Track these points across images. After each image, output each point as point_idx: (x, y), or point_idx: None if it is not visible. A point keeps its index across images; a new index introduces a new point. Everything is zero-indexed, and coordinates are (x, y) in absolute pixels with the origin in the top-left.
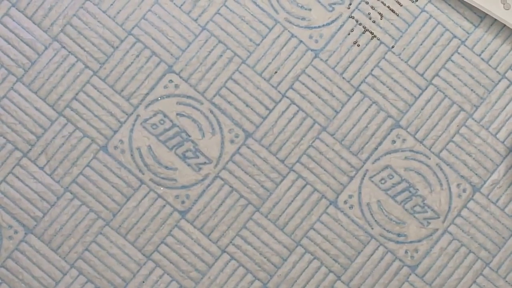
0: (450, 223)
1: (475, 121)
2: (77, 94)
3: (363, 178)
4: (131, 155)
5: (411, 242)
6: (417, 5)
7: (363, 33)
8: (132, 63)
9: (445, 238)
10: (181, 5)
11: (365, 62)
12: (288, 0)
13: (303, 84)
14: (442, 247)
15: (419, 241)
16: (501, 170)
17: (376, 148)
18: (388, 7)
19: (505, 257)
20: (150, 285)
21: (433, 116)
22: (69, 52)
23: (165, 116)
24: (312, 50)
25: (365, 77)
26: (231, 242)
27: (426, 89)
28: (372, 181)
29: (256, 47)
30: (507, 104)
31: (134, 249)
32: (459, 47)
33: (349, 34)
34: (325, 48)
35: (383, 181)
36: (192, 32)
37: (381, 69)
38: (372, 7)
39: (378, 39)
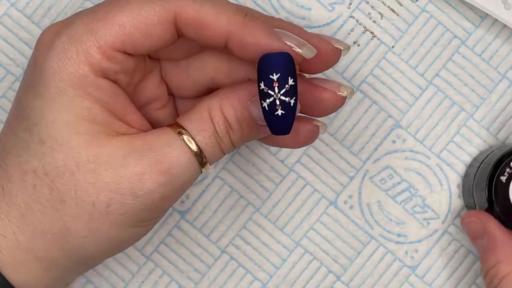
0: (450, 223)
1: (476, 121)
2: None
3: (363, 178)
4: None
5: (411, 242)
6: (417, 5)
7: (363, 33)
8: None
9: (445, 238)
10: None
11: (365, 62)
12: None
13: None
14: (442, 247)
15: (419, 241)
16: None
17: (376, 148)
18: (389, 7)
19: None
20: (150, 285)
21: (434, 116)
22: None
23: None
24: None
25: (365, 77)
26: (230, 242)
27: (426, 89)
28: (372, 181)
29: None
30: (507, 105)
31: (133, 249)
32: (459, 47)
33: (349, 33)
34: None
35: (383, 181)
36: None
37: (381, 69)
38: (373, 7)
39: (379, 39)
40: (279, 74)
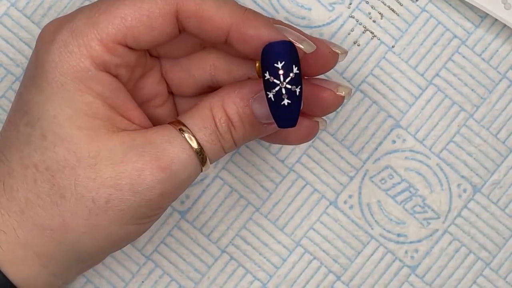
0: (450, 223)
1: (476, 121)
2: None
3: (363, 178)
4: None
5: (411, 242)
6: (417, 5)
7: (363, 32)
8: None
9: (445, 238)
10: None
11: (365, 61)
12: None
13: None
14: (442, 247)
15: (419, 241)
16: (502, 170)
17: (376, 148)
18: (389, 6)
19: (505, 257)
20: (150, 285)
21: (434, 116)
22: None
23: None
24: None
25: (365, 77)
26: (230, 242)
27: (426, 89)
28: (372, 181)
29: None
30: (507, 104)
31: (133, 249)
32: (459, 47)
33: (349, 33)
34: None
35: (383, 181)
36: None
37: (381, 69)
38: (373, 7)
39: (379, 39)
40: (283, 62)
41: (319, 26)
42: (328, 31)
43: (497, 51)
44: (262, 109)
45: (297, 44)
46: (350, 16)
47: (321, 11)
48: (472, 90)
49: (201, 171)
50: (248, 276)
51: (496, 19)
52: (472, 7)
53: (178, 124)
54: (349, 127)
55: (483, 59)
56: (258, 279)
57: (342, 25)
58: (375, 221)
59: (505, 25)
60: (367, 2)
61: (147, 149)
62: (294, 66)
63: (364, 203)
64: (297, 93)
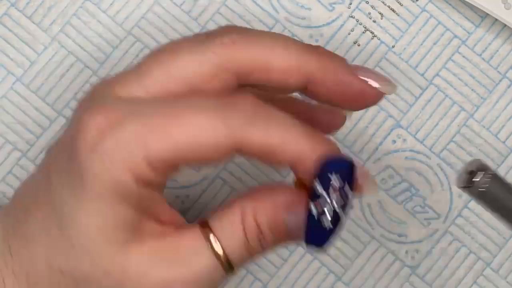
0: (451, 223)
1: (476, 121)
2: (76, 93)
3: None
4: None
5: (411, 242)
6: (417, 5)
7: (363, 32)
8: (131, 62)
9: (446, 238)
10: (181, 4)
11: (365, 61)
12: None
13: None
14: (442, 247)
15: (420, 241)
16: (502, 170)
17: (376, 148)
18: (389, 6)
19: (505, 257)
20: None
21: (434, 116)
22: (69, 51)
23: None
24: None
25: None
26: None
27: (426, 88)
28: None
29: None
30: (508, 104)
31: None
32: (459, 46)
33: (349, 33)
34: (325, 48)
35: (383, 181)
36: (192, 31)
37: (381, 68)
38: (373, 7)
39: (379, 39)
40: (343, 184)
41: (319, 26)
42: (328, 31)
43: (497, 51)
44: (295, 224)
45: (379, 88)
46: (350, 16)
47: (321, 11)
48: (472, 90)
49: (227, 276)
50: (248, 276)
51: (496, 19)
52: (472, 7)
53: (207, 229)
54: (349, 127)
55: (483, 59)
56: (259, 279)
57: (342, 25)
58: (376, 221)
59: (505, 25)
60: (367, 2)
61: (174, 263)
62: (350, 191)
63: (365, 203)
64: (342, 220)
